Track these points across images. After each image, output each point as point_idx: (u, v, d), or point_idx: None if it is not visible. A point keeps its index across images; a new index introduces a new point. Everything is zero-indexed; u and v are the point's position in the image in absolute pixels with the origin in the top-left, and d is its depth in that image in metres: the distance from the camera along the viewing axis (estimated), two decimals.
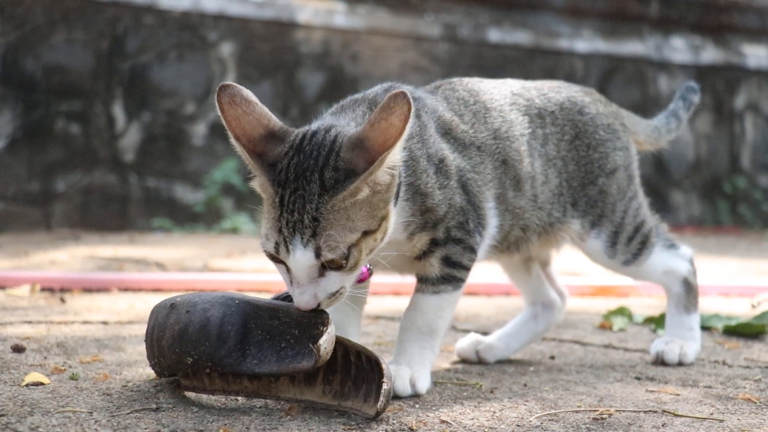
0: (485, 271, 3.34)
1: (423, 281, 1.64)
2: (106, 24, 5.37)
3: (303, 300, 1.43)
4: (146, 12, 5.47)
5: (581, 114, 1.86)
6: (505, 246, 1.77)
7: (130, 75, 5.45)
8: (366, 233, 1.41)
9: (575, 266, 3.52)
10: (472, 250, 1.64)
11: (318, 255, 1.38)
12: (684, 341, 1.92)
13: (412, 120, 1.38)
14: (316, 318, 1.46)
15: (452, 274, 1.63)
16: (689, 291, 1.94)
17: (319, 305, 1.43)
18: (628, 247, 1.87)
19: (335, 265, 1.40)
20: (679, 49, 7.36)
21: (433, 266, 1.62)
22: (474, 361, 1.93)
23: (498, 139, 1.72)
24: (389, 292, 2.81)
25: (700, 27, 7.40)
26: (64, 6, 5.24)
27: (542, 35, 6.77)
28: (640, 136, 1.99)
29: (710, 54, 7.48)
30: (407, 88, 1.69)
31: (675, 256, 1.94)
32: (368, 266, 1.59)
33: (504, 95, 1.80)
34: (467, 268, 1.64)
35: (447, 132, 1.66)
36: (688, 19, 7.33)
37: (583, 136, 1.85)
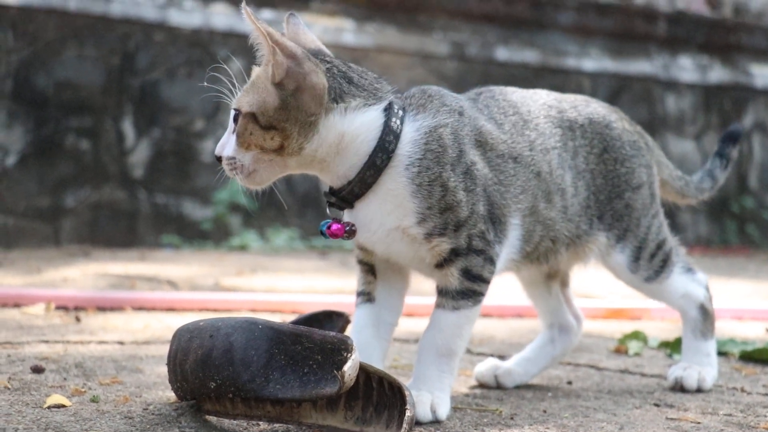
0: (497, 292, 3.33)
1: (443, 294, 1.63)
2: (117, 41, 5.40)
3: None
4: (157, 29, 5.50)
5: (609, 128, 1.87)
6: (535, 256, 1.77)
7: (140, 91, 5.47)
8: (254, 117, 1.51)
9: (588, 288, 3.52)
10: (492, 262, 1.63)
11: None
12: (701, 367, 1.92)
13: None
14: (340, 344, 1.46)
15: (472, 288, 1.62)
16: (706, 317, 1.94)
17: (220, 159, 1.57)
18: (651, 263, 1.88)
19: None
20: (686, 68, 7.38)
21: (453, 277, 1.61)
22: (493, 386, 1.93)
23: (533, 151, 1.73)
24: (403, 314, 2.81)
25: (708, 47, 7.42)
26: (75, 23, 5.27)
27: (550, 54, 6.80)
28: (663, 171, 1.99)
29: (718, 74, 7.50)
30: (448, 93, 1.69)
31: (692, 281, 1.94)
32: (348, 226, 1.58)
33: (539, 106, 1.81)
34: (487, 281, 1.64)
35: (482, 143, 1.66)
36: (696, 38, 7.36)
37: (610, 150, 1.86)
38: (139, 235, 5.37)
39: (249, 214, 5.49)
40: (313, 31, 6.21)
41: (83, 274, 3.53)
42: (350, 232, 1.60)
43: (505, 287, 3.52)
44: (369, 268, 1.71)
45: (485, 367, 1.95)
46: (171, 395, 1.68)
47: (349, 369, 1.42)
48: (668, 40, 7.27)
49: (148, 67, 5.50)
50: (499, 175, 1.66)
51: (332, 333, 1.49)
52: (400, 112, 1.57)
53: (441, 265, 1.62)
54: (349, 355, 1.44)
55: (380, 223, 1.59)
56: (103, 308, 2.75)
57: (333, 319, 1.89)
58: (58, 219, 5.21)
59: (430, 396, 1.59)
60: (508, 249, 1.70)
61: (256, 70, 1.57)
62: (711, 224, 7.36)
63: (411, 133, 1.57)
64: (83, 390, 1.70)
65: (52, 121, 5.23)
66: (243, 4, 1.53)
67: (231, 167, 1.56)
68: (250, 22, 1.52)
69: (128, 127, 5.43)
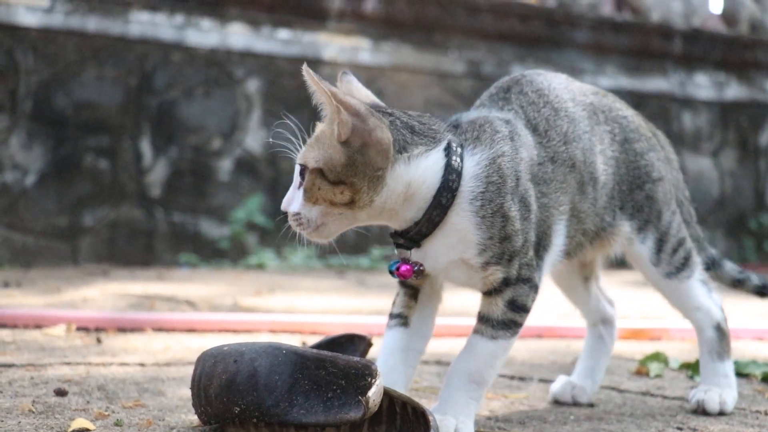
0: None
1: (484, 321, 1.63)
2: (135, 61, 5.44)
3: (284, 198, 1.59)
4: (174, 49, 5.55)
5: (627, 120, 1.88)
6: (567, 252, 1.77)
7: (158, 111, 5.52)
8: (321, 173, 1.51)
9: None
10: (536, 290, 1.65)
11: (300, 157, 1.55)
12: (722, 389, 1.91)
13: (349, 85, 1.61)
14: (364, 369, 1.47)
15: (514, 320, 1.62)
16: (722, 337, 1.94)
17: (287, 214, 1.56)
18: (672, 258, 1.88)
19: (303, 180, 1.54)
20: (702, 85, 7.37)
21: (498, 307, 1.62)
22: (570, 404, 1.98)
23: (567, 143, 1.73)
24: None
25: (724, 64, 7.41)
26: (94, 44, 5.32)
27: (566, 71, 6.69)
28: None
29: (734, 91, 7.48)
30: (494, 116, 1.68)
31: (709, 297, 1.94)
32: (416, 266, 1.60)
33: (563, 89, 1.80)
34: (529, 311, 1.64)
35: (532, 163, 1.66)
36: (712, 55, 7.35)
37: (631, 141, 1.86)
38: (156, 254, 5.39)
39: (266, 232, 5.51)
40: (330, 50, 6.21)
41: (102, 294, 3.55)
42: (419, 272, 1.61)
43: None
44: (413, 293, 1.72)
45: (560, 385, 1.99)
46: (194, 419, 1.69)
47: (374, 395, 1.43)
48: (684, 57, 7.27)
49: (165, 86, 5.54)
50: (543, 186, 1.66)
51: (356, 358, 1.49)
52: (459, 150, 1.59)
53: (489, 293, 1.63)
54: (374, 380, 1.44)
55: (445, 255, 1.60)
56: (123, 329, 2.76)
57: (355, 342, 1.89)
58: (77, 238, 5.24)
59: (455, 421, 1.58)
60: (552, 258, 1.71)
61: (319, 126, 1.58)
62: (728, 241, 7.33)
63: (471, 167, 1.58)
64: (107, 413, 1.71)
65: (71, 141, 5.28)
66: (304, 66, 1.52)
67: (297, 222, 1.56)
68: (312, 83, 1.52)
69: (146, 147, 5.47)
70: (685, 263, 1.89)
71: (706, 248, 2.06)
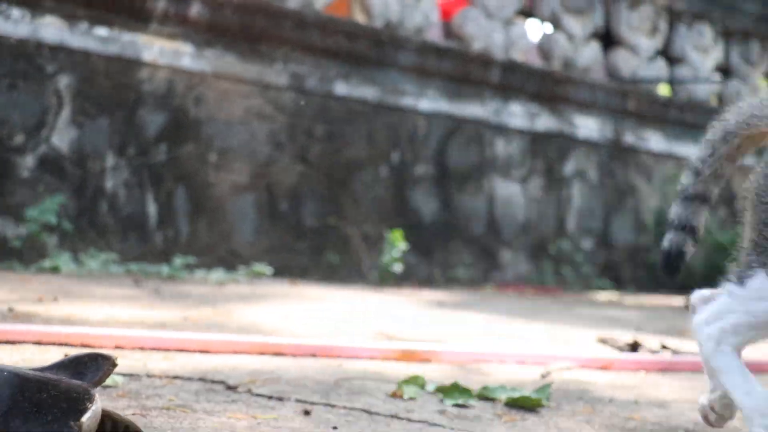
0: (293, 330, 3.38)
1: None
2: None
3: None
4: None
5: None
6: None
7: None
8: None
9: (385, 328, 3.63)
10: None
11: None
12: None
13: None
14: (84, 394, 1.48)
15: None
16: None
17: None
18: None
19: None
20: (516, 114, 7.75)
21: None
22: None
23: None
24: (197, 350, 2.81)
25: (538, 96, 7.84)
26: None
27: (388, 92, 6.99)
28: None
29: (545, 122, 7.92)
30: None
31: None
32: None
33: None
34: None
35: None
36: (527, 87, 7.75)
37: None
38: None
39: (66, 234, 5.32)
40: (150, 53, 6.08)
41: None
42: None
43: (307, 324, 3.57)
44: None
45: None
46: None
47: (88, 420, 1.44)
48: (501, 86, 7.63)
49: None
50: None
51: (78, 382, 1.50)
52: None
53: None
54: (90, 405, 1.45)
55: None
56: None
57: (98, 362, 1.85)
58: None
59: None
60: None
61: None
62: (530, 264, 7.73)
63: None
64: None
65: None
66: None
67: None
68: None
69: None
70: None
71: None
